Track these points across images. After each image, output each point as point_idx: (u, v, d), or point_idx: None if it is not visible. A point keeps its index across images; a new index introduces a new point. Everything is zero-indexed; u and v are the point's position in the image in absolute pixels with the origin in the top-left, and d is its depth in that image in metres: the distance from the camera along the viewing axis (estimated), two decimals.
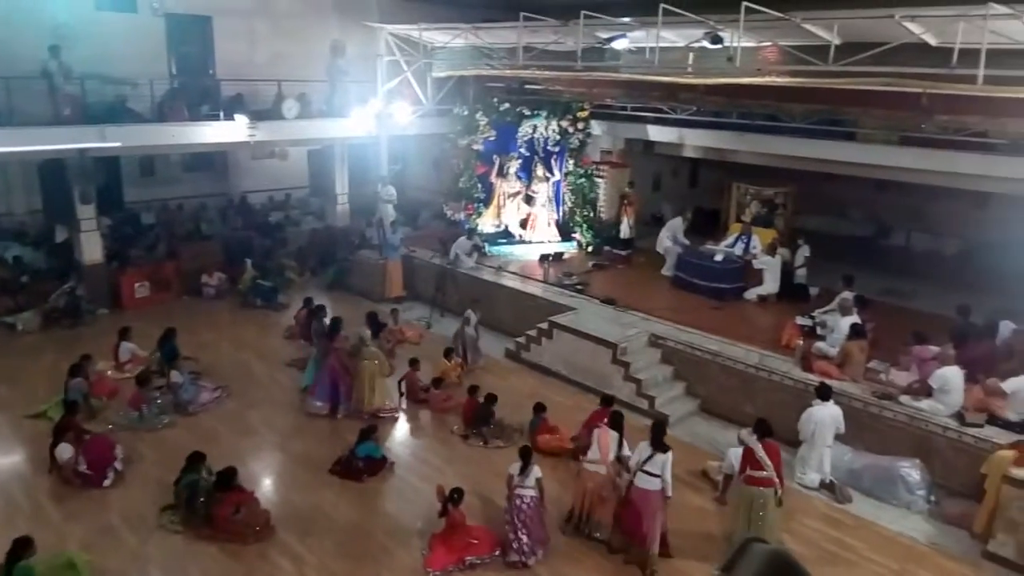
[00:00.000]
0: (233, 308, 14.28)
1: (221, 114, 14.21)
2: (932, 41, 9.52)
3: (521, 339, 12.18)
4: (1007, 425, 8.13)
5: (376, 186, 15.88)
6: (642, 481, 6.98)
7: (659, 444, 6.99)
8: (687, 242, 14.31)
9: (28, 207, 15.28)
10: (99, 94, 13.52)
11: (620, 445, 7.49)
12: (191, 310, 13.95)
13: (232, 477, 7.58)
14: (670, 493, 7.06)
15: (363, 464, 8.60)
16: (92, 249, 13.54)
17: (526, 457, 7.22)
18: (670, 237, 14.33)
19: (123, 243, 14.93)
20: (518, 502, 7.10)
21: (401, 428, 9.99)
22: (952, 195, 14.00)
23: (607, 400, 8.85)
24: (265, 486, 8.37)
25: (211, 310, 14.13)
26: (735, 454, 7.63)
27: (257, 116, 14.65)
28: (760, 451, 6.92)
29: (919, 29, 9.31)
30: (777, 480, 6.92)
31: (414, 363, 10.72)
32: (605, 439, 7.47)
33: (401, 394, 10.45)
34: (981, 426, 8.13)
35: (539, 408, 9.43)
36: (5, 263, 13.82)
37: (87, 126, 12.53)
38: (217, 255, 15.36)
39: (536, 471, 7.18)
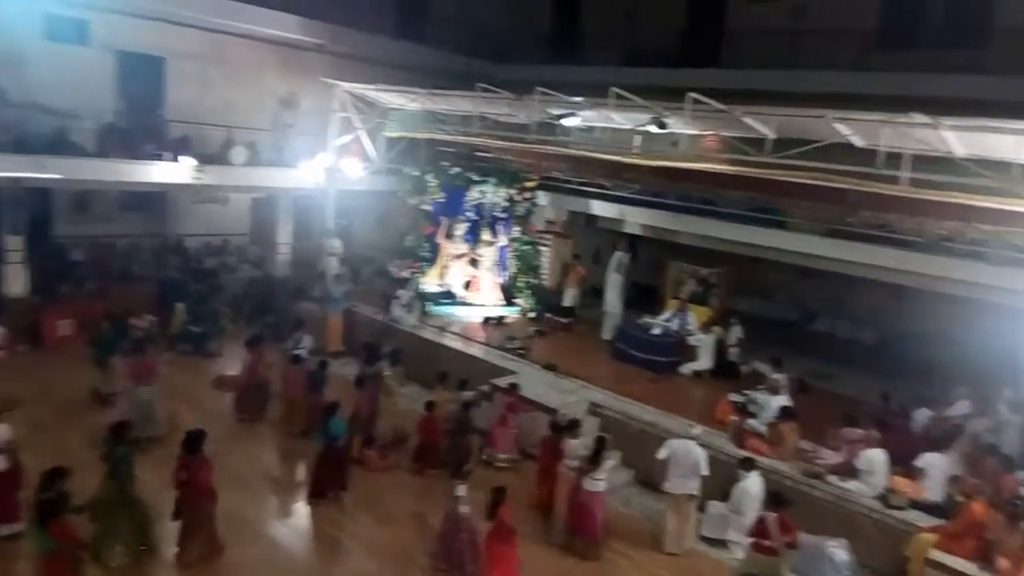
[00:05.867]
0: (161, 353, 13.69)
1: (168, 155, 14.00)
2: (859, 143, 10.34)
3: None
4: (928, 509, 8.53)
5: (320, 238, 15.76)
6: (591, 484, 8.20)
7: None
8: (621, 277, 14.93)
9: None
10: (37, 124, 13.16)
11: None
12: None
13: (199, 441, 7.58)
14: None
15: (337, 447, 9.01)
16: (16, 282, 12.89)
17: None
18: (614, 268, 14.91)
19: (49, 279, 14.22)
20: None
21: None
22: (872, 286, 14.92)
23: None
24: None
25: None
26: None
27: (204, 160, 14.51)
28: (773, 525, 7.30)
29: (847, 131, 10.11)
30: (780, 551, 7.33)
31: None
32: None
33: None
34: (903, 508, 8.51)
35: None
36: None
37: (25, 155, 12.12)
38: (148, 297, 14.77)
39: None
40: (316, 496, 9.07)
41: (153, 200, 17.17)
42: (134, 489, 7.60)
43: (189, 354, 13.74)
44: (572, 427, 9.31)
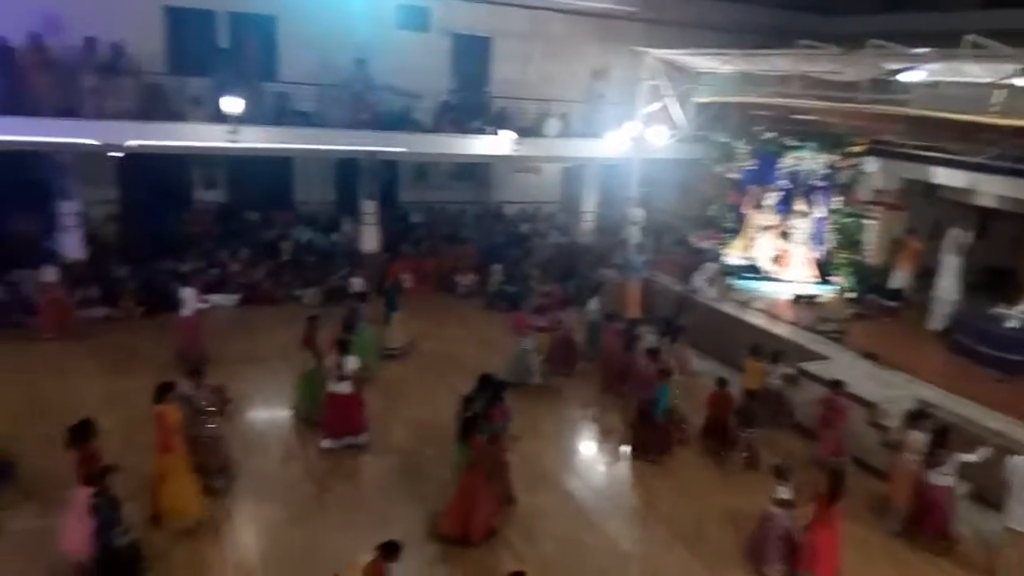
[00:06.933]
0: (480, 308, 15.14)
1: (490, 128, 15.29)
2: None
3: None
4: None
5: (622, 207, 15.97)
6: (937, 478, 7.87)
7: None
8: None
9: (321, 198, 17.49)
10: (390, 104, 15.19)
11: None
12: (443, 305, 15.10)
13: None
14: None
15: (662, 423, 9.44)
16: (371, 240, 15.25)
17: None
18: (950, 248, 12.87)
19: (394, 237, 16.52)
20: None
21: None
22: None
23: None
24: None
25: (461, 307, 15.16)
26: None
27: (520, 132, 15.50)
28: None
29: None
30: None
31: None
32: None
33: None
34: None
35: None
36: (299, 244, 15.96)
37: (379, 132, 14.14)
38: (472, 258, 16.53)
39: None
40: (637, 452, 9.59)
41: (478, 170, 18.94)
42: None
43: (503, 311, 14.94)
44: (917, 418, 8.64)
